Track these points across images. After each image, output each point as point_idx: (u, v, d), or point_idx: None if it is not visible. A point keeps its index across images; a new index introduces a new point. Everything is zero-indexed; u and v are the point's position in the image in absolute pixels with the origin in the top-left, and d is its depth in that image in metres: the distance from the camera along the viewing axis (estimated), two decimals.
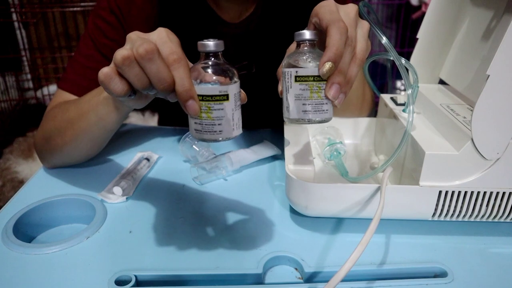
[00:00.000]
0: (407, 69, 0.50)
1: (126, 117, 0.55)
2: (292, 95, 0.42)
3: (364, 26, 0.45)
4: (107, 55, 0.68)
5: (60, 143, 0.59)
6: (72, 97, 0.67)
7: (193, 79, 0.39)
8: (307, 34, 0.42)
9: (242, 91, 0.42)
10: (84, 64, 0.68)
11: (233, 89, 0.39)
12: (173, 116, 0.90)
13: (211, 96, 0.38)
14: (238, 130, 0.41)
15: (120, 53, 0.38)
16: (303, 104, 0.42)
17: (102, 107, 0.52)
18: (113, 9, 0.67)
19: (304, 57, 0.41)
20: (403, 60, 0.49)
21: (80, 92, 0.65)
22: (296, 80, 0.41)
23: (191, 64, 0.41)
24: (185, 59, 0.39)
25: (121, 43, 0.50)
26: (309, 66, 0.41)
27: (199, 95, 0.38)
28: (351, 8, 0.44)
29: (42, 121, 0.65)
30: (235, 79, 0.40)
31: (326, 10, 0.43)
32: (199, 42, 0.39)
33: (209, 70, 0.39)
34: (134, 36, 0.40)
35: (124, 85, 0.40)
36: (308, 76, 0.41)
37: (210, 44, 0.39)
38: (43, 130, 0.64)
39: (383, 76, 2.18)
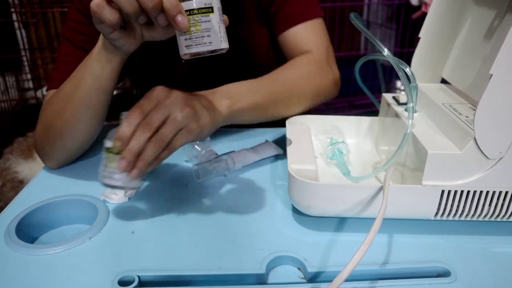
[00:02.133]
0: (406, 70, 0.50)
1: (119, 71, 0.55)
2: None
3: (182, 112, 0.47)
4: (87, 47, 0.67)
5: (60, 125, 0.59)
6: None
7: None
8: None
9: (225, 16, 0.45)
10: (68, 62, 0.68)
11: (216, 2, 0.42)
12: None
13: (198, 9, 0.42)
14: (225, 43, 0.44)
15: None
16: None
17: (95, 64, 0.53)
18: (79, 9, 0.70)
19: None
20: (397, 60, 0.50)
21: None
22: None
23: None
24: None
25: (96, 35, 0.56)
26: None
27: (186, 10, 0.41)
28: (174, 96, 0.48)
29: (39, 117, 0.65)
30: None
31: (148, 94, 0.48)
32: None
33: None
34: None
35: (115, 12, 0.42)
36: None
37: None
38: (41, 121, 0.64)
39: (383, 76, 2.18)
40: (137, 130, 0.45)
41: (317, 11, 0.75)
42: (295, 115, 0.67)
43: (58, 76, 0.68)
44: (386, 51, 0.51)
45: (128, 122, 0.45)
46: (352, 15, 0.55)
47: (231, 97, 0.58)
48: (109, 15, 0.42)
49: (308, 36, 0.74)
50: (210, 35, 0.43)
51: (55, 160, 0.64)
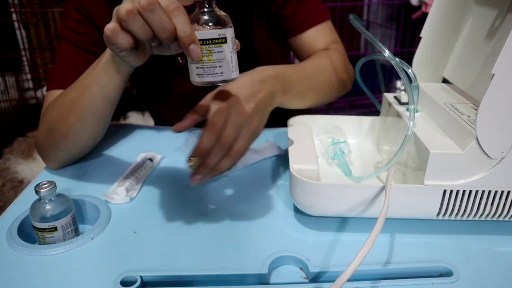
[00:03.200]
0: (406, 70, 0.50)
1: (126, 82, 0.55)
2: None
3: (251, 124, 0.51)
4: (85, 47, 0.70)
5: (65, 129, 0.60)
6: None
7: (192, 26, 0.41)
8: None
9: (236, 40, 0.45)
10: (67, 61, 0.69)
11: (230, 32, 0.43)
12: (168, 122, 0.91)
13: (211, 39, 0.41)
14: (236, 73, 0.44)
15: (124, 8, 0.39)
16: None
17: (103, 74, 0.53)
18: (76, 7, 0.70)
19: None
20: (398, 60, 0.50)
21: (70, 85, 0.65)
22: None
23: None
24: (182, 7, 0.40)
25: (93, 34, 0.64)
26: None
27: (199, 40, 0.41)
28: (243, 109, 0.50)
29: (41, 118, 0.65)
30: (230, 24, 0.43)
31: (215, 107, 0.50)
32: None
33: (206, 17, 0.42)
34: None
35: (129, 38, 0.42)
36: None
37: None
38: (44, 123, 0.64)
39: (383, 76, 2.18)
40: (215, 148, 0.49)
41: (327, 13, 0.79)
42: (322, 105, 0.72)
43: (58, 76, 0.69)
44: (387, 52, 0.51)
45: (207, 140, 0.49)
46: (351, 16, 0.56)
47: (286, 85, 0.60)
48: (123, 40, 0.42)
49: (323, 37, 0.77)
50: (222, 65, 0.43)
51: (57, 161, 0.64)
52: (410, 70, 0.52)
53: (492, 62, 0.41)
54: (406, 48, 2.12)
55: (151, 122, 1.02)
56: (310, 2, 0.77)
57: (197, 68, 0.43)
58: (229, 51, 0.43)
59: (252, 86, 0.54)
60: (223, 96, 0.52)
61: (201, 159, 0.50)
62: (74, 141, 0.61)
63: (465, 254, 0.46)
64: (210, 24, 0.42)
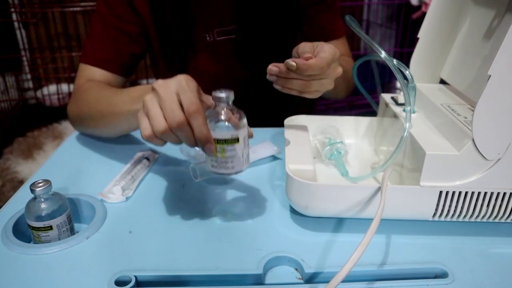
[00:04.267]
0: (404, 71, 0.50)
1: None
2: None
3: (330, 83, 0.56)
4: (118, 26, 0.74)
5: (92, 126, 0.69)
6: (95, 70, 0.74)
7: (208, 121, 0.46)
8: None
9: (249, 128, 0.48)
10: (99, 38, 0.75)
11: (243, 132, 0.47)
12: None
13: (225, 140, 0.46)
14: (247, 164, 0.49)
15: (158, 127, 0.44)
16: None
17: (131, 117, 0.56)
18: None
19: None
20: (395, 61, 0.50)
21: (102, 64, 0.74)
22: None
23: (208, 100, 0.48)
24: (202, 107, 0.44)
25: (129, 14, 0.72)
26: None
27: (214, 139, 0.45)
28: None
29: (75, 94, 0.73)
30: (244, 121, 0.47)
31: (327, 50, 0.54)
32: (213, 93, 0.46)
33: (222, 117, 0.46)
34: (163, 96, 0.44)
35: (162, 142, 0.47)
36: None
37: (223, 95, 0.45)
38: (77, 106, 0.71)
39: (382, 76, 2.18)
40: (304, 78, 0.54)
41: (344, 29, 0.87)
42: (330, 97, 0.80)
43: (90, 52, 0.75)
44: (383, 53, 0.51)
45: (308, 68, 0.51)
46: (347, 17, 0.56)
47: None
48: (156, 143, 0.46)
49: (341, 48, 0.85)
50: (233, 161, 0.47)
51: (84, 132, 0.74)
52: (407, 72, 0.52)
53: (489, 63, 0.41)
54: (406, 48, 2.12)
55: None
56: (335, 15, 0.85)
57: (211, 160, 0.48)
58: (240, 149, 0.47)
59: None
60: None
61: (294, 68, 0.51)
62: (100, 133, 0.71)
63: (460, 255, 0.46)
64: (225, 124, 0.46)
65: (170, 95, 0.44)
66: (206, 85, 0.62)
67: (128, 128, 0.65)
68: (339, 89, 0.78)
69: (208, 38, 0.77)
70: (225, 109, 0.46)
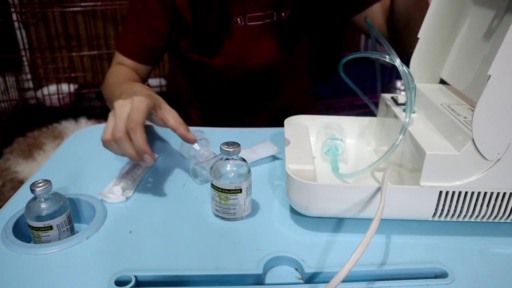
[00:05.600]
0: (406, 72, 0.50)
1: None
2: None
3: None
4: (151, 22, 0.79)
5: (109, 105, 0.75)
6: (125, 58, 0.82)
7: (212, 171, 0.51)
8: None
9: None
10: (132, 31, 0.82)
11: (246, 184, 0.50)
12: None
13: (228, 190, 0.50)
14: (248, 211, 0.53)
15: (102, 137, 0.53)
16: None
17: None
18: None
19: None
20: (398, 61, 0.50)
21: (130, 55, 0.82)
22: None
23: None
24: (141, 124, 0.52)
25: (166, 8, 0.78)
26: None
27: (219, 188, 0.50)
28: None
29: (107, 75, 0.81)
30: (248, 174, 0.50)
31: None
32: (222, 147, 0.50)
33: (228, 168, 0.50)
34: (117, 113, 0.53)
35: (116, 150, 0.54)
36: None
37: (231, 150, 0.49)
38: (104, 87, 0.80)
39: (382, 76, 2.18)
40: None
41: None
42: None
43: (122, 40, 0.83)
44: (398, 61, 0.52)
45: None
46: (366, 19, 0.61)
47: None
48: (106, 147, 0.55)
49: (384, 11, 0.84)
50: (235, 208, 0.51)
51: None
52: (407, 71, 0.52)
53: (489, 63, 0.41)
54: None
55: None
56: None
57: (216, 204, 0.52)
58: (243, 198, 0.51)
59: None
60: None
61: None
62: None
63: (460, 255, 0.46)
64: (230, 176, 0.50)
65: (121, 114, 0.52)
66: (232, 76, 0.66)
67: None
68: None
69: (239, 22, 0.80)
70: (231, 162, 0.50)
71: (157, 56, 0.85)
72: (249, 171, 0.51)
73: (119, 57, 0.83)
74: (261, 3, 0.79)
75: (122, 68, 0.82)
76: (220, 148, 0.50)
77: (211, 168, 0.51)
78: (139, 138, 0.51)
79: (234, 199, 0.50)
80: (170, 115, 0.56)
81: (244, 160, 0.51)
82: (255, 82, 0.85)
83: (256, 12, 0.79)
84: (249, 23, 0.80)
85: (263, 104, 0.91)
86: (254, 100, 0.91)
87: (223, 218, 0.52)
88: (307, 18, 0.84)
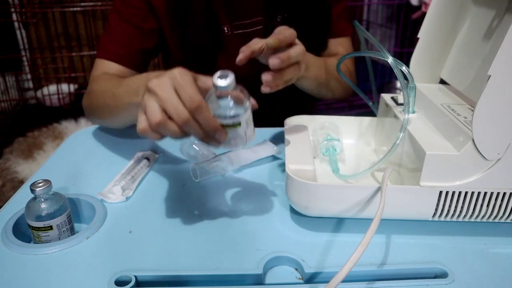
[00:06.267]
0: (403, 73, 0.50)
1: None
2: None
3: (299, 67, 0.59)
4: (133, 21, 0.76)
5: (102, 117, 0.71)
6: (110, 64, 0.76)
7: (209, 103, 0.44)
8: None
9: (252, 99, 0.47)
10: (115, 33, 0.77)
11: (245, 116, 0.46)
12: None
13: (226, 125, 0.45)
14: (251, 139, 0.49)
15: (154, 119, 0.43)
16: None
17: (133, 108, 0.55)
18: None
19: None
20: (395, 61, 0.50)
21: (116, 58, 0.76)
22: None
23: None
24: (202, 100, 0.43)
25: (145, 9, 0.74)
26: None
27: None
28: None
29: (88, 88, 0.75)
30: (247, 104, 0.46)
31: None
32: (214, 81, 0.43)
33: (223, 103, 0.45)
34: (162, 96, 0.43)
35: (160, 135, 0.45)
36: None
37: (223, 85, 0.43)
38: (88, 99, 0.74)
39: (382, 76, 2.18)
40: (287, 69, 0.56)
41: (351, 30, 0.88)
42: (327, 97, 0.80)
43: (105, 46, 0.77)
44: (390, 59, 0.51)
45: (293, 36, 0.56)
46: (355, 22, 0.61)
47: (308, 63, 0.66)
48: (153, 137, 0.46)
49: (346, 48, 0.88)
50: (236, 139, 0.47)
51: (96, 123, 0.77)
52: (406, 71, 0.52)
53: (489, 63, 0.41)
54: (406, 48, 2.12)
55: None
56: (343, 14, 0.86)
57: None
58: (243, 130, 0.47)
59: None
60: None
61: (278, 42, 0.54)
62: (111, 122, 0.72)
63: (460, 255, 0.46)
64: (226, 112, 0.45)
65: (168, 94, 0.43)
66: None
67: (132, 119, 0.64)
68: (333, 85, 0.78)
69: (226, 31, 0.79)
70: (228, 97, 0.44)
71: (145, 59, 0.80)
72: (247, 100, 0.46)
73: (102, 65, 0.76)
74: (247, 10, 0.77)
75: (108, 75, 0.74)
76: (213, 82, 0.44)
77: (207, 99, 0.45)
78: (208, 118, 0.44)
79: (233, 132, 0.46)
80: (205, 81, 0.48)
81: (241, 91, 0.46)
82: (254, 89, 0.83)
83: (242, 20, 0.77)
84: (235, 32, 0.78)
85: (262, 106, 0.91)
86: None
87: (225, 148, 0.49)
88: (301, 23, 0.82)
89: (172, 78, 0.44)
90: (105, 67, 0.76)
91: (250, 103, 0.46)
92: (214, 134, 0.45)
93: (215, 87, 0.44)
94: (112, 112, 0.66)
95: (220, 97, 0.45)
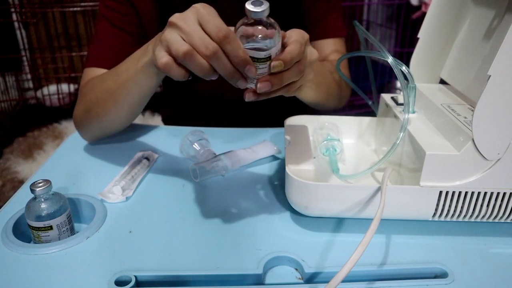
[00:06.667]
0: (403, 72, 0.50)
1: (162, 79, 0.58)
2: None
3: (312, 54, 0.49)
4: (122, 26, 0.74)
5: (101, 113, 0.64)
6: (100, 70, 0.71)
7: (239, 37, 0.41)
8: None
9: (283, 37, 0.45)
10: (104, 39, 0.74)
11: (275, 49, 0.43)
12: (178, 115, 0.92)
13: (257, 58, 0.42)
14: None
15: (180, 50, 0.40)
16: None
17: (141, 75, 0.54)
18: None
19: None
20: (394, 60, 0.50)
21: (106, 64, 0.70)
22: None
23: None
24: (230, 30, 0.40)
25: (131, 15, 0.71)
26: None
27: (250, 57, 0.42)
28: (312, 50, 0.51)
29: (80, 95, 0.70)
30: (278, 34, 0.42)
31: (296, 34, 0.47)
32: (247, 6, 0.40)
33: (256, 34, 0.41)
34: (186, 28, 0.41)
35: (183, 71, 0.43)
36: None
37: (258, 10, 0.40)
38: (83, 102, 0.68)
39: (382, 76, 2.18)
40: (294, 67, 0.45)
41: (345, 30, 0.84)
42: (323, 107, 0.77)
43: (95, 54, 0.74)
44: (390, 59, 0.51)
45: (293, 57, 0.44)
46: (355, 22, 0.59)
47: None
48: (176, 73, 0.43)
49: (336, 50, 0.83)
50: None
51: (91, 136, 0.71)
52: (406, 71, 0.52)
53: (489, 63, 0.41)
54: (406, 48, 2.12)
55: (150, 122, 1.02)
56: (337, 14, 0.82)
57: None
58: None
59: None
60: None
61: (283, 66, 0.45)
62: (108, 123, 0.67)
63: (460, 255, 0.46)
64: (259, 43, 0.41)
65: (193, 26, 0.40)
66: (211, 85, 0.60)
67: (139, 93, 0.59)
68: (330, 93, 0.75)
69: None
70: (260, 26, 0.41)
71: None
72: (277, 31, 0.42)
73: (92, 72, 0.72)
74: (228, 14, 0.75)
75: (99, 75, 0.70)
76: (245, 8, 0.40)
77: (237, 29, 0.42)
78: (238, 48, 0.40)
79: (263, 67, 0.43)
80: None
81: (272, 26, 0.41)
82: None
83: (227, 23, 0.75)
84: None
85: (263, 106, 0.91)
86: (254, 106, 0.90)
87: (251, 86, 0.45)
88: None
89: (195, 11, 0.41)
90: (95, 74, 0.71)
91: (280, 37, 0.43)
92: (243, 67, 0.41)
93: (249, 12, 0.40)
94: (116, 97, 0.60)
95: (252, 25, 0.41)
